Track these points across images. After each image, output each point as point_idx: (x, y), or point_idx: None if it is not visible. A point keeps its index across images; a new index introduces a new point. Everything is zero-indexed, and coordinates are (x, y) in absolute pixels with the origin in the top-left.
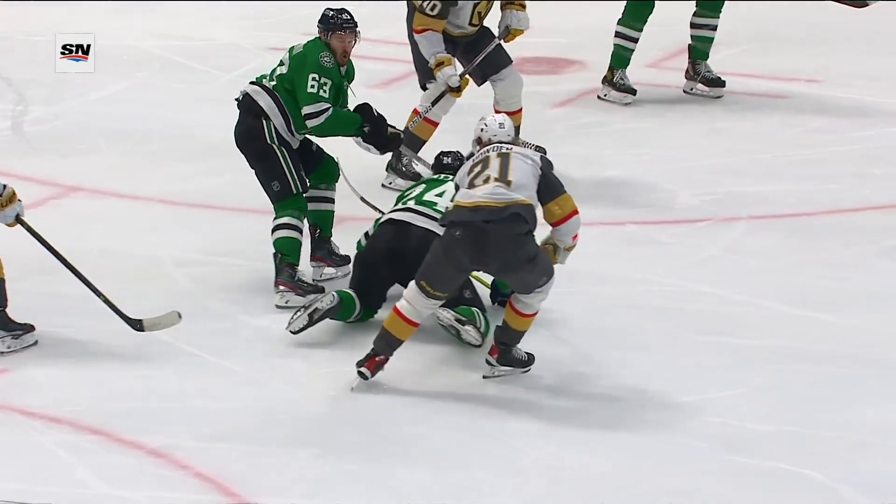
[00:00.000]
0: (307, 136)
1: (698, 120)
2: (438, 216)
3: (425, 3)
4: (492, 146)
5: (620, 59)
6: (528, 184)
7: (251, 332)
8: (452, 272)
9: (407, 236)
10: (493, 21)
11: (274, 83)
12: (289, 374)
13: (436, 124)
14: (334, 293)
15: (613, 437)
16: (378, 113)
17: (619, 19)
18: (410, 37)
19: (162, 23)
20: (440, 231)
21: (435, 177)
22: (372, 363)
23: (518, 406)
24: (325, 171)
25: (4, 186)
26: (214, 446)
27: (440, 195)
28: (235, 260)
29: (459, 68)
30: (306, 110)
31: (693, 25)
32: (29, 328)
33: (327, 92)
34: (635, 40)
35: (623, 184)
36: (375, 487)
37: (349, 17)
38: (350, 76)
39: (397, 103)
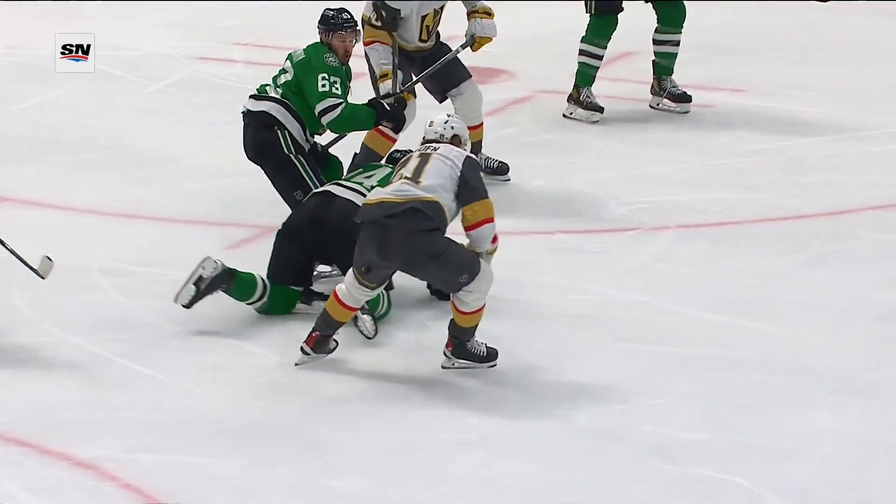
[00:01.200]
0: (317, 136)
1: (625, 129)
2: (365, 192)
3: (372, 15)
4: (421, 146)
5: (585, 76)
6: (441, 184)
7: (179, 342)
8: (368, 266)
9: (329, 206)
10: (455, 36)
11: (281, 91)
12: (218, 384)
13: (393, 140)
14: (216, 260)
15: (544, 445)
16: (388, 103)
17: (583, 37)
18: (367, 54)
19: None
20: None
21: (370, 163)
22: (311, 340)
23: (450, 414)
24: (332, 172)
25: None
26: (143, 457)
27: (369, 177)
28: (163, 270)
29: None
30: (320, 107)
31: (655, 42)
32: None
33: (339, 88)
34: (600, 58)
35: (552, 193)
36: (307, 496)
37: (349, 17)
38: (349, 76)
39: None
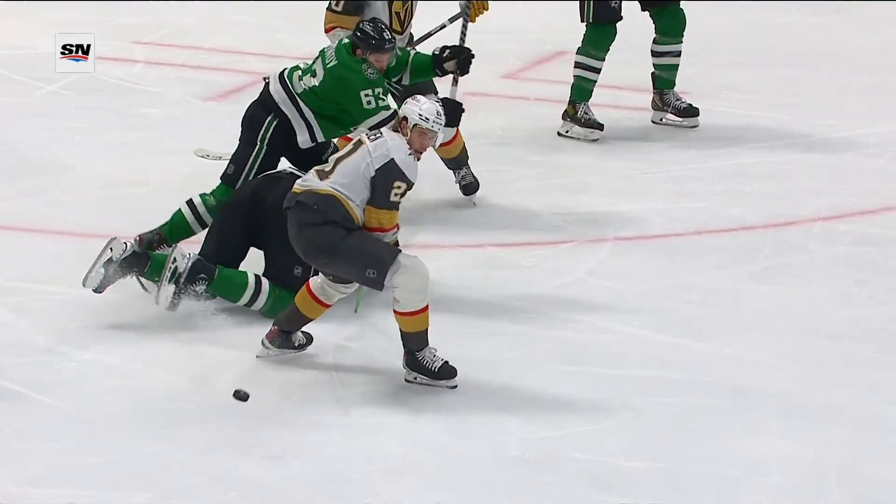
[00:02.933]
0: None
1: (559, 136)
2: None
3: (332, 1)
4: (367, 132)
5: (582, 91)
6: (349, 182)
7: (77, 365)
8: None
9: (273, 185)
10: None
11: (304, 89)
12: (120, 410)
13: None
14: (125, 241)
15: (471, 474)
16: (444, 98)
17: (579, 48)
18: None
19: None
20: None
21: None
22: (271, 333)
23: (370, 444)
24: None
25: None
26: (36, 491)
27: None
28: (59, 287)
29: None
30: (371, 123)
31: (654, 53)
32: None
33: (383, 97)
34: (598, 70)
35: (481, 203)
36: None
37: (390, 37)
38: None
39: (237, 115)
